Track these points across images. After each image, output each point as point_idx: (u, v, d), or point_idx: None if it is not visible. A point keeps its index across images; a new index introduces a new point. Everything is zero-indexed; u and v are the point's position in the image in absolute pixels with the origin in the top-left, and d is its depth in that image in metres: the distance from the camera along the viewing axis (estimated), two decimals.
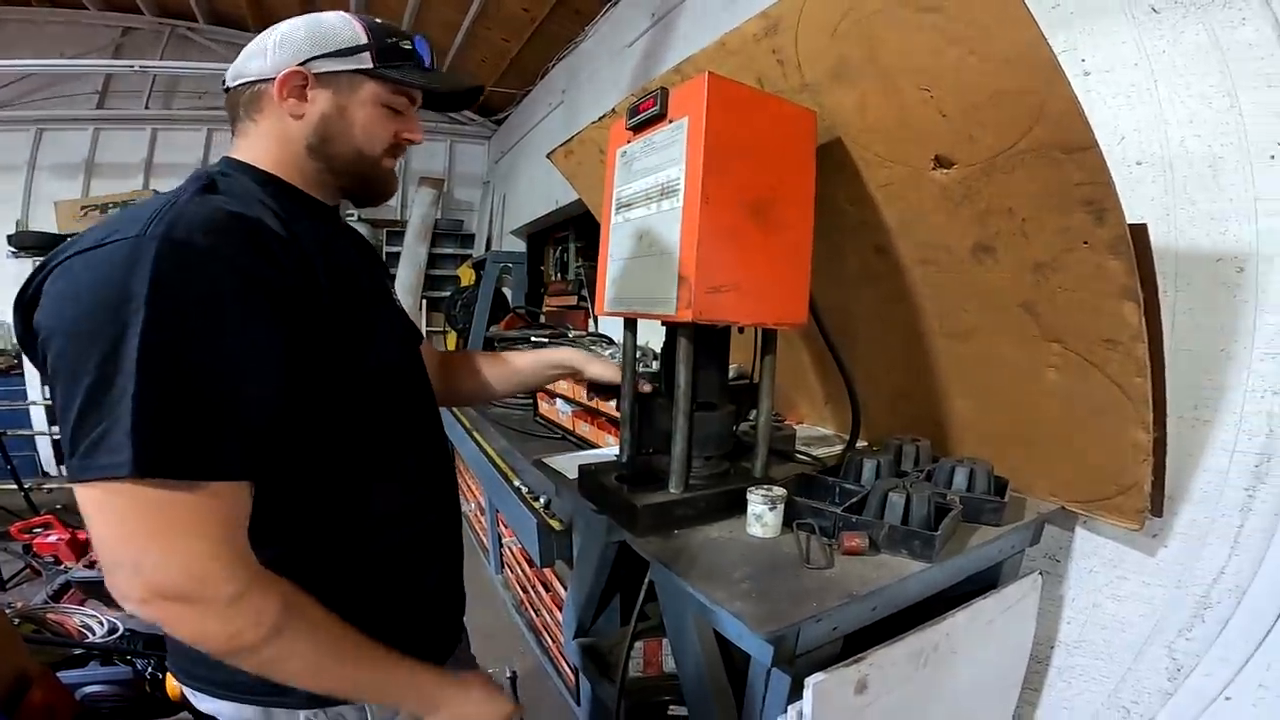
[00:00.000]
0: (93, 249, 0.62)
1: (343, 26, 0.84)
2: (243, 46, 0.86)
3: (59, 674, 1.70)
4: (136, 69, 4.78)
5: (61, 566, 2.51)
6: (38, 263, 0.66)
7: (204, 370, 0.62)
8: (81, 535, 2.77)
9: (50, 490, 4.21)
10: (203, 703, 0.83)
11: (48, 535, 2.78)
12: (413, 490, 0.93)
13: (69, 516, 2.94)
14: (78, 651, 1.91)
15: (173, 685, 1.79)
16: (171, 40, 5.47)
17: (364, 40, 0.83)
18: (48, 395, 0.68)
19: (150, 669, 1.89)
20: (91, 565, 2.47)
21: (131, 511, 0.60)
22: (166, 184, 5.49)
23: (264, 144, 0.84)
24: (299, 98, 0.82)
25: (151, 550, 0.60)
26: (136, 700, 1.83)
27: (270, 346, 0.67)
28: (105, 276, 0.60)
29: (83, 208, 5.29)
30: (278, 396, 0.69)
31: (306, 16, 0.85)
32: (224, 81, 0.87)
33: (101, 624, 2.03)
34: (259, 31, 0.86)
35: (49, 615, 2.05)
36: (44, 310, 0.62)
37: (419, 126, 0.92)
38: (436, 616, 1.00)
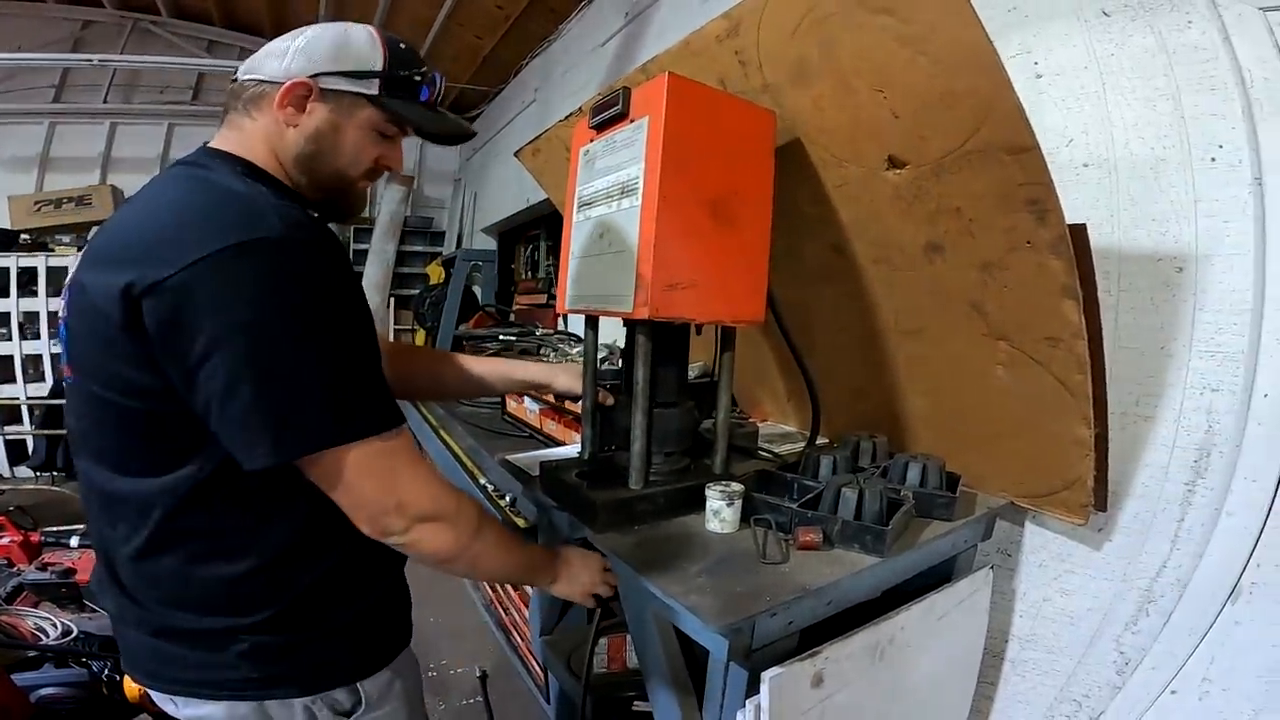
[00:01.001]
0: (231, 247, 0.66)
1: (366, 47, 0.86)
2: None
3: (13, 676, 1.69)
4: (96, 63, 4.65)
5: (14, 569, 2.43)
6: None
7: (370, 341, 0.77)
8: (34, 537, 2.68)
9: (1, 492, 4.07)
10: (190, 708, 0.84)
11: (0, 537, 2.68)
12: None
13: (21, 518, 2.85)
14: (32, 654, 1.89)
15: (131, 687, 1.76)
16: (133, 34, 5.33)
17: (378, 67, 0.86)
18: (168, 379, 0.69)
19: (107, 671, 1.86)
20: (44, 568, 2.40)
21: (377, 462, 0.75)
22: (124, 179, 5.36)
23: (254, 143, 0.85)
24: (298, 108, 0.84)
25: (404, 486, 0.77)
26: (93, 702, 1.82)
27: (369, 321, 0.79)
28: (272, 268, 0.68)
29: (36, 203, 5.13)
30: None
31: (338, 27, 0.87)
32: (234, 73, 0.89)
33: (55, 626, 2.00)
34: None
35: (2, 618, 2.00)
36: (214, 306, 0.66)
37: (401, 156, 0.95)
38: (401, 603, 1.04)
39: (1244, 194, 1.12)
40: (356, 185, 0.93)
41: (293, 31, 0.86)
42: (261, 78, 0.84)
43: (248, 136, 0.86)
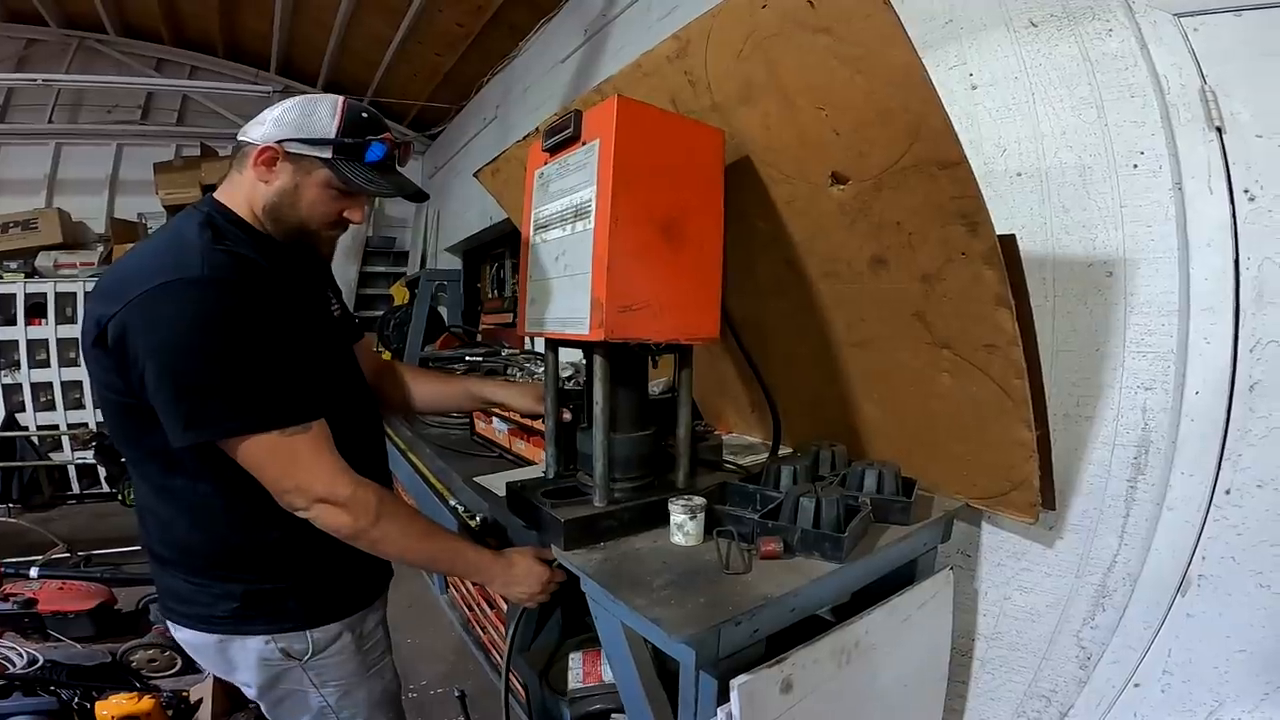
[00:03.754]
0: (157, 287, 0.89)
1: (325, 116, 1.03)
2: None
3: None
4: (40, 83, 4.51)
5: None
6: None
7: (276, 355, 0.95)
8: None
9: None
10: (176, 632, 1.11)
11: None
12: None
13: None
14: (0, 683, 1.91)
15: (102, 714, 1.78)
16: (79, 52, 5.18)
17: (330, 135, 1.02)
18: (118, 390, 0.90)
19: (76, 699, 1.92)
20: (6, 599, 2.36)
21: (279, 450, 0.95)
22: (72, 202, 5.20)
23: (240, 194, 1.06)
24: (268, 167, 1.03)
25: (300, 473, 0.97)
26: None
27: (289, 338, 0.98)
28: (184, 305, 0.89)
29: None
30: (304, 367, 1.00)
31: (308, 100, 1.06)
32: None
33: (21, 655, 2.02)
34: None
35: None
36: (134, 336, 0.89)
37: (362, 210, 1.11)
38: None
39: (1165, 199, 1.18)
40: (321, 234, 1.11)
41: (278, 103, 1.06)
42: (247, 140, 1.04)
43: (235, 188, 1.07)
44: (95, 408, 4.68)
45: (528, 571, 1.15)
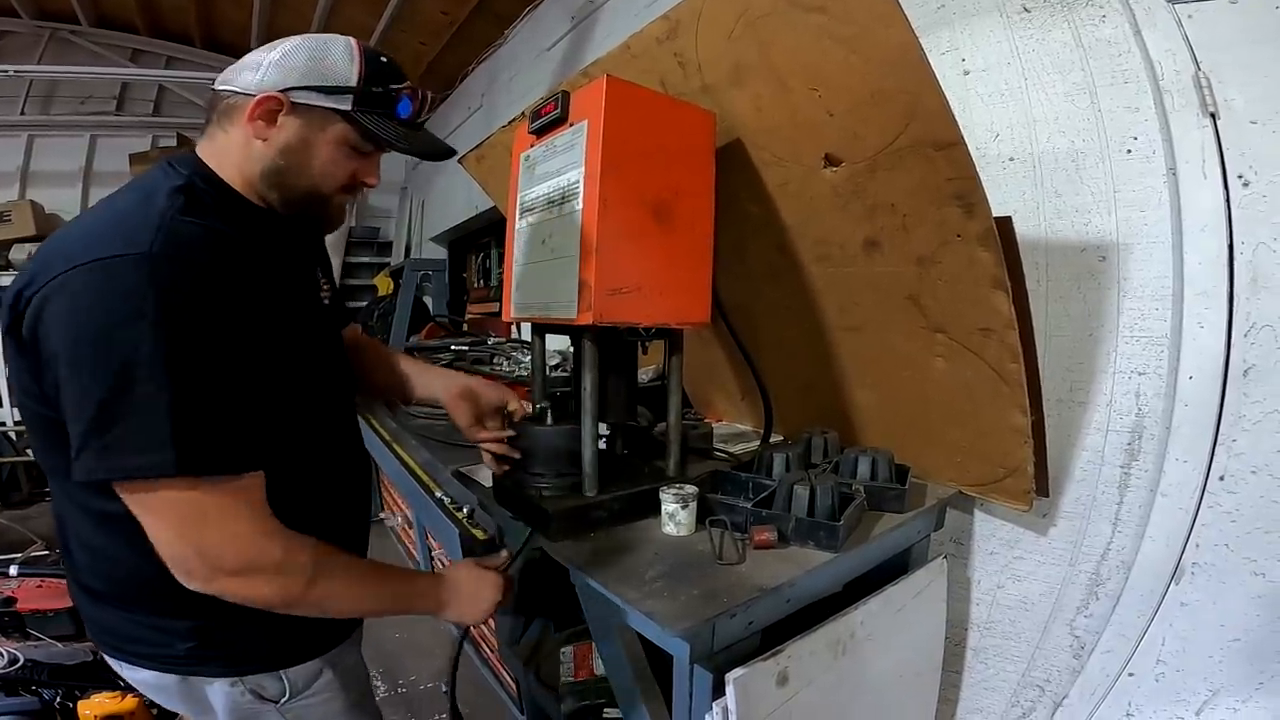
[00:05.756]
0: (94, 263, 0.68)
1: (342, 61, 0.85)
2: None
3: None
4: (11, 73, 4.42)
5: None
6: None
7: (219, 376, 0.72)
8: None
9: None
10: (129, 672, 0.91)
11: None
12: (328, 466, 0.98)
13: None
14: None
15: (85, 714, 1.75)
16: (51, 43, 5.08)
17: (352, 82, 0.84)
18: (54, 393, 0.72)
19: (59, 698, 1.88)
20: None
21: (182, 505, 0.71)
22: (45, 194, 5.11)
23: (227, 156, 0.86)
24: (268, 121, 0.83)
25: (208, 537, 0.72)
26: None
27: (253, 349, 0.77)
28: (117, 290, 0.67)
29: None
30: (262, 392, 0.78)
31: (315, 40, 0.86)
32: (213, 81, 0.88)
33: (1, 655, 1.97)
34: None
35: None
36: (51, 323, 0.69)
37: (378, 171, 0.94)
38: None
39: (1159, 184, 1.17)
40: (333, 200, 0.92)
41: (272, 43, 0.85)
42: (235, 89, 0.84)
43: (219, 149, 0.86)
44: None
45: (478, 585, 1.02)
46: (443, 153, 1.00)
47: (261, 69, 0.83)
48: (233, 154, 0.86)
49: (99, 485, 0.73)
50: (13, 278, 0.79)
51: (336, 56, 0.85)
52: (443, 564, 2.61)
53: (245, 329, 0.76)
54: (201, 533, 0.73)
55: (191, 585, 0.74)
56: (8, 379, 0.86)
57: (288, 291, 0.89)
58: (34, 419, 0.78)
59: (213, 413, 0.71)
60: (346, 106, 0.85)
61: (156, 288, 0.68)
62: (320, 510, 0.92)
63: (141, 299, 0.67)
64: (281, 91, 0.82)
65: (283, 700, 0.93)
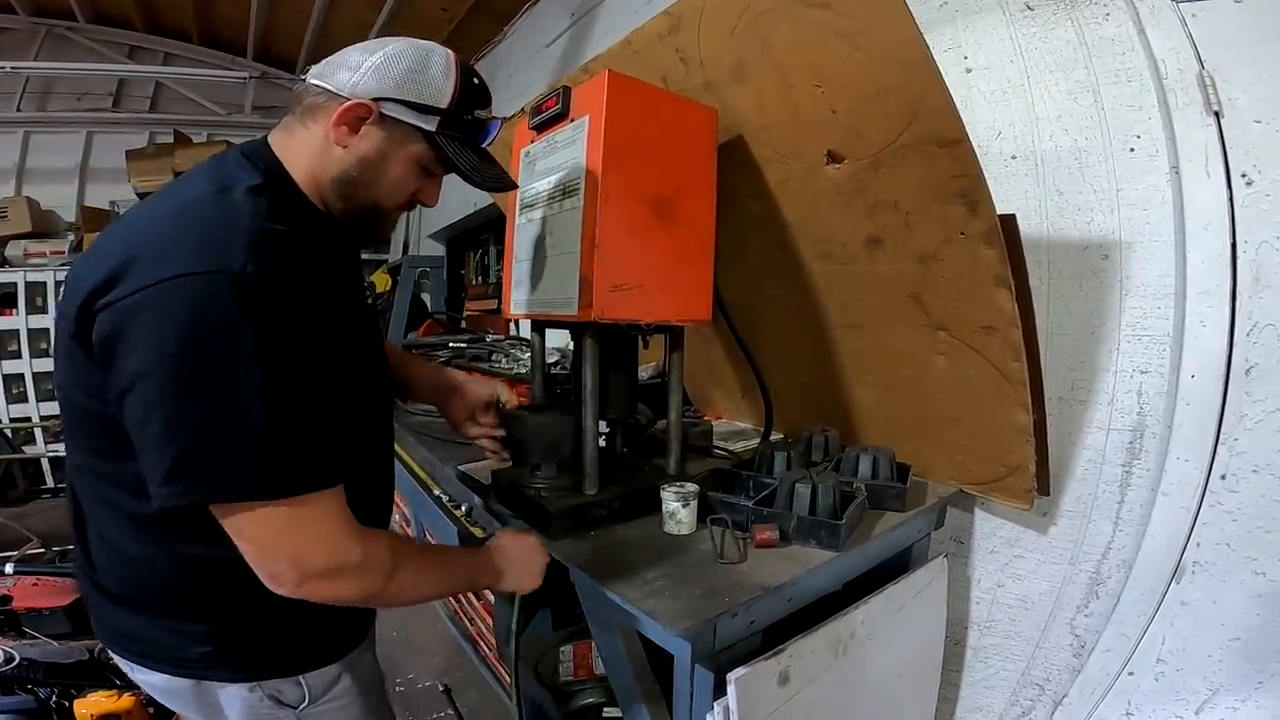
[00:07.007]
0: (182, 278, 0.66)
1: (440, 78, 0.83)
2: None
3: None
4: (8, 70, 4.39)
5: None
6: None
7: (308, 396, 0.72)
8: None
9: None
10: (140, 674, 0.89)
11: None
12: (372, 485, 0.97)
13: None
14: None
15: (81, 713, 1.73)
16: (48, 40, 5.04)
17: (443, 104, 0.83)
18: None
19: (55, 697, 1.86)
20: None
21: (276, 519, 0.72)
22: (42, 190, 5.05)
23: (302, 154, 0.84)
24: (353, 129, 0.81)
25: (299, 545, 0.74)
26: None
27: (332, 362, 0.77)
28: (212, 319, 0.66)
29: None
30: (340, 401, 0.80)
31: (417, 49, 0.83)
32: (306, 70, 0.86)
33: None
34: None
35: None
36: (135, 341, 0.66)
37: (438, 194, 0.93)
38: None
39: (1162, 183, 1.17)
40: (390, 216, 0.91)
41: (373, 43, 0.82)
42: (328, 87, 0.81)
43: (295, 144, 0.84)
44: None
45: (521, 549, 1.02)
46: (508, 186, 0.97)
47: (360, 71, 0.80)
48: (308, 154, 0.83)
49: (142, 489, 0.72)
50: (65, 273, 0.77)
51: (435, 72, 0.82)
52: None
53: (327, 343, 0.76)
54: (292, 542, 0.74)
55: (279, 591, 0.75)
56: (55, 369, 0.82)
57: (349, 298, 0.88)
58: (87, 415, 0.76)
59: (304, 433, 0.72)
60: (432, 128, 0.83)
61: (252, 317, 0.67)
62: (368, 507, 0.91)
63: (237, 327, 0.66)
64: (374, 100, 0.80)
65: (302, 706, 0.91)
